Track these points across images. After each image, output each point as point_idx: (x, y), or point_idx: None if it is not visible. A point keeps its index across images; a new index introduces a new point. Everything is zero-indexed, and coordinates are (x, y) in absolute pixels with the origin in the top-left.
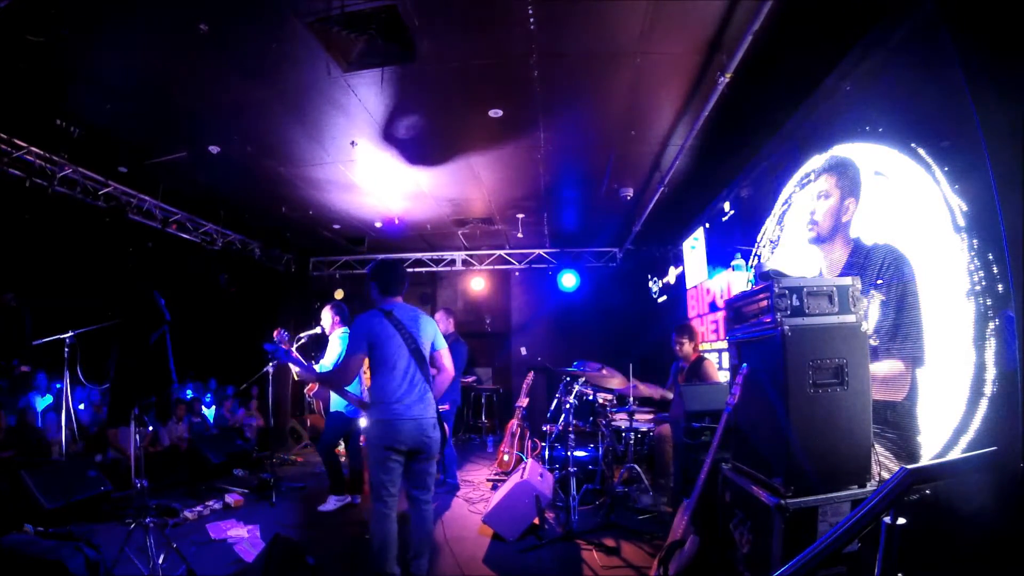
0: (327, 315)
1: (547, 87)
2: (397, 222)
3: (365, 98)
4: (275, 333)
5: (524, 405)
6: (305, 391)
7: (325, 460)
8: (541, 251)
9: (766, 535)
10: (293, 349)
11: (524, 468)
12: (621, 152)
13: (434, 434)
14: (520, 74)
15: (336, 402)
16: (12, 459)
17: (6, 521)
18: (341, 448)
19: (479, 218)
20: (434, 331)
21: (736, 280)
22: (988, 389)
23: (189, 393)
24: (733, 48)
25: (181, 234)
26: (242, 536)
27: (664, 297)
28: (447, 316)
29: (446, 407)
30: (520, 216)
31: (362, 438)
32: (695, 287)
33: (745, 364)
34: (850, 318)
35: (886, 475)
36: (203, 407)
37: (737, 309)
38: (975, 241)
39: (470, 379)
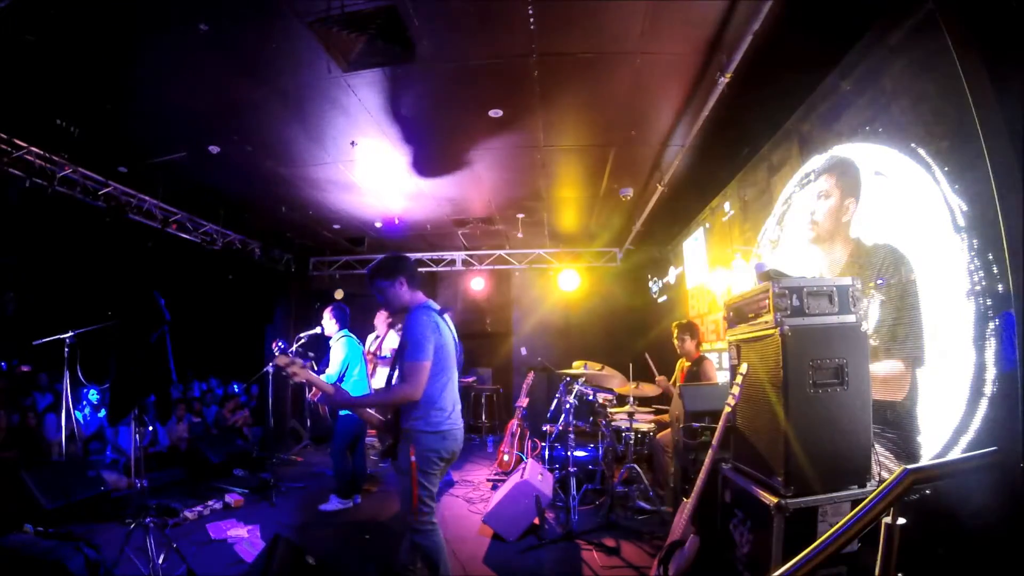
0: (328, 319)
1: (547, 87)
2: (397, 222)
3: (365, 98)
4: (273, 345)
5: (524, 405)
6: (308, 395)
7: (336, 463)
8: (541, 251)
9: (766, 535)
10: (310, 372)
11: (524, 468)
12: (621, 152)
13: None
14: (520, 74)
15: None
16: (12, 459)
17: (6, 521)
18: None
19: (479, 218)
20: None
21: (736, 280)
22: (988, 389)
23: (203, 394)
24: (733, 48)
25: (181, 234)
26: (242, 536)
27: (664, 297)
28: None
29: None
30: (520, 216)
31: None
32: (695, 287)
33: (745, 364)
34: (850, 318)
35: (886, 475)
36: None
37: (737, 309)
38: (975, 241)
39: (470, 379)
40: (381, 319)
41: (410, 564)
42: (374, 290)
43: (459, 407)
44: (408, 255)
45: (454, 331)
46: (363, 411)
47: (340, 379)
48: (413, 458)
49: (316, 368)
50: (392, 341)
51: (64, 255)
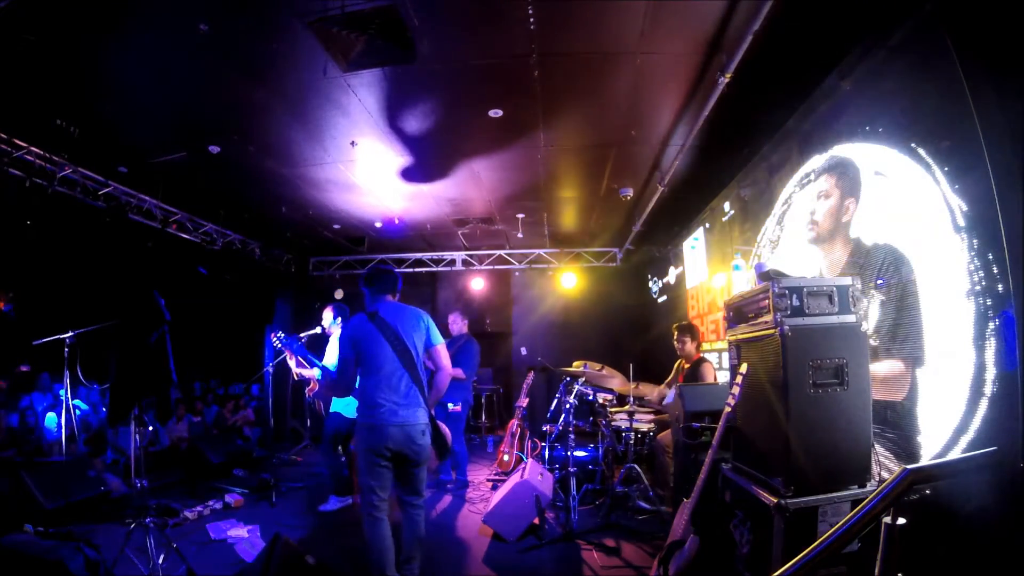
0: (328, 316)
1: (547, 87)
2: (397, 222)
3: (365, 98)
4: (273, 336)
5: (524, 405)
6: (306, 391)
7: (327, 461)
8: (541, 251)
9: (766, 535)
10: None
11: (524, 468)
12: (621, 152)
13: (422, 441)
14: (520, 74)
15: (336, 403)
16: (12, 459)
17: (6, 521)
18: (338, 448)
19: (479, 218)
20: (426, 326)
21: (736, 280)
22: (988, 389)
23: (204, 393)
24: (733, 48)
25: (181, 234)
26: (242, 536)
27: (664, 297)
28: (461, 317)
29: (458, 407)
30: (520, 216)
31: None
32: (695, 287)
33: (745, 364)
34: (850, 318)
35: (886, 475)
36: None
37: (737, 309)
38: (975, 241)
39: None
40: None
41: (404, 564)
42: None
43: (393, 404)
44: (376, 267)
45: (404, 324)
46: None
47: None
48: (352, 447)
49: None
50: None
51: (64, 255)
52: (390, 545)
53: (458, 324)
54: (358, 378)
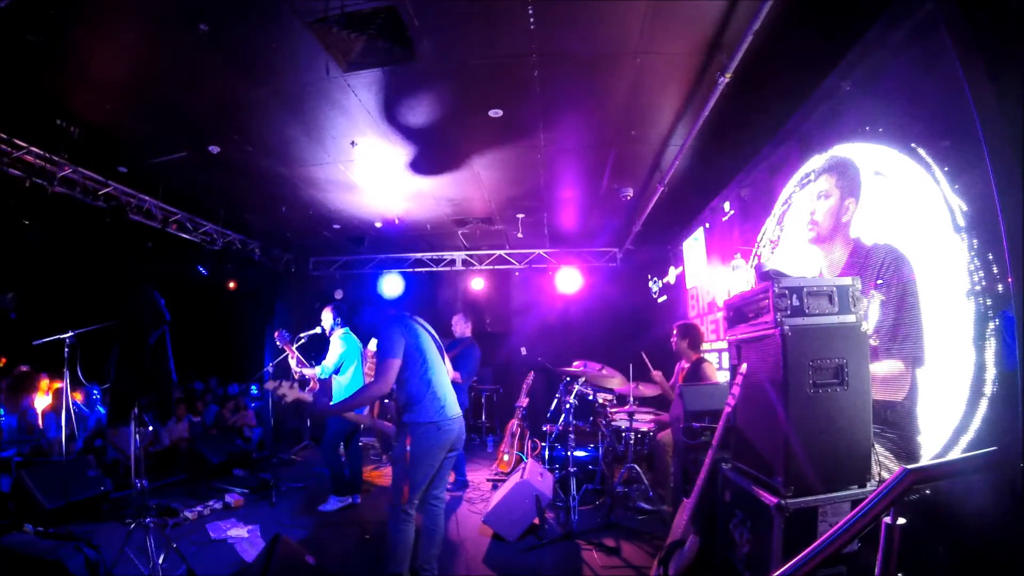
0: (328, 316)
1: (547, 87)
2: (397, 222)
3: (365, 98)
4: (276, 334)
5: (524, 405)
6: (306, 391)
7: (328, 461)
8: (541, 251)
9: (766, 535)
10: (295, 387)
11: (524, 468)
12: (621, 152)
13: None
14: (520, 74)
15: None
16: (12, 459)
17: (6, 521)
18: (340, 448)
19: (479, 218)
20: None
21: (736, 280)
22: (988, 389)
23: (203, 393)
24: (733, 48)
25: (181, 234)
26: (242, 536)
27: (664, 297)
28: (465, 320)
29: None
30: (520, 216)
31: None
32: (695, 287)
33: (745, 364)
34: (850, 318)
35: (886, 475)
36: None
37: (737, 309)
38: (975, 241)
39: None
40: None
41: (425, 563)
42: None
43: (452, 399)
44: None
45: (433, 333)
46: (374, 423)
47: (336, 372)
48: (408, 448)
49: (313, 364)
50: None
51: (64, 255)
52: (411, 546)
53: (461, 326)
54: (365, 379)
